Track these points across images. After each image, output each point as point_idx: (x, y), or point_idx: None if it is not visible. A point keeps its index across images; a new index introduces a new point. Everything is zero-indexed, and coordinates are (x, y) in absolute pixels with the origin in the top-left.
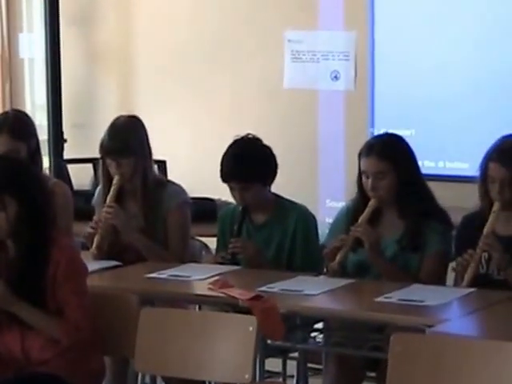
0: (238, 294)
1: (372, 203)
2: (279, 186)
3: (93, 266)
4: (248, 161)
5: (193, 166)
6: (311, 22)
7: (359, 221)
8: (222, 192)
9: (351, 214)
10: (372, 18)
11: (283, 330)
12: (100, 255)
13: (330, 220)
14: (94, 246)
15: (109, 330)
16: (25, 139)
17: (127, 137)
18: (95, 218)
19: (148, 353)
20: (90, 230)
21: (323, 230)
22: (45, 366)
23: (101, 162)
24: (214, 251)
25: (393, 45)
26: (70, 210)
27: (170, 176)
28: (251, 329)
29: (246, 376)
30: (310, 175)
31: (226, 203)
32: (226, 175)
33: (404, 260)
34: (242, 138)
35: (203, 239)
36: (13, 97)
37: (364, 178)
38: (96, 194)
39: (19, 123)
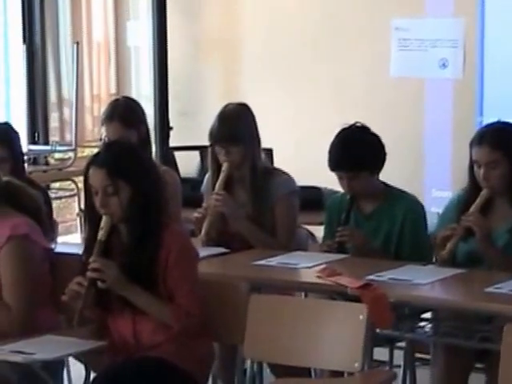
0: (347, 282)
1: (484, 193)
2: (384, 175)
3: (201, 252)
4: (356, 149)
5: (299, 154)
6: (419, 9)
7: (470, 210)
8: (328, 180)
9: (462, 204)
10: (482, 4)
11: (392, 319)
12: (208, 242)
13: (435, 209)
14: (203, 232)
15: (218, 317)
16: (135, 126)
17: (236, 124)
18: (204, 204)
19: (257, 339)
20: (198, 215)
21: (429, 220)
22: (155, 350)
23: (210, 149)
24: (320, 240)
25: (503, 31)
26: (179, 198)
27: (276, 164)
28: (361, 317)
29: (356, 364)
30: (416, 164)
31: (332, 192)
32: (334, 164)
33: None
34: (350, 127)
35: (309, 228)
36: (119, 84)
37: (476, 168)
38: (205, 182)
39: (130, 110)
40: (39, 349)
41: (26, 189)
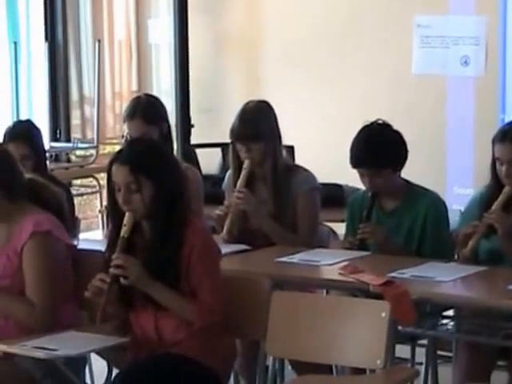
0: (370, 279)
1: (506, 190)
2: (406, 172)
3: (223, 249)
4: (378, 146)
5: (320, 151)
6: (441, 6)
7: (493, 208)
8: (349, 178)
9: (484, 201)
10: (504, 2)
11: (415, 316)
12: (230, 239)
13: (457, 207)
14: (225, 230)
15: (240, 313)
16: (157, 123)
17: (258, 122)
18: (226, 202)
19: (279, 336)
20: (220, 213)
21: (451, 217)
22: (177, 346)
23: (231, 146)
24: (341, 237)
25: None
26: (201, 195)
27: (298, 162)
28: (384, 314)
29: (378, 362)
30: (437, 162)
31: (354, 189)
32: (356, 161)
33: None
34: (372, 124)
35: (331, 225)
36: (141, 82)
37: (498, 165)
38: (226, 179)
39: (151, 107)
40: (62, 345)
41: (48, 186)
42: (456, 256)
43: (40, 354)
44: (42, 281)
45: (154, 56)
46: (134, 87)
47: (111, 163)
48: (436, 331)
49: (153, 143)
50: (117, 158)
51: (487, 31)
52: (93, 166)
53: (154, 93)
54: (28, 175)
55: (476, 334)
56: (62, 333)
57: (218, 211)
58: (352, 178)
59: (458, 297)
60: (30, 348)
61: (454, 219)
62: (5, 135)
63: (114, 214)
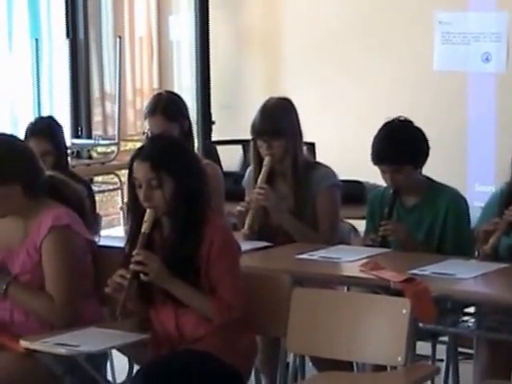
0: (390, 276)
1: None
2: (427, 169)
3: (244, 246)
4: (400, 143)
5: (340, 148)
6: (462, 2)
7: None
8: (369, 174)
9: (505, 198)
10: None
11: (435, 313)
12: (251, 236)
13: (478, 204)
14: (246, 227)
15: (261, 310)
16: (178, 120)
17: (279, 118)
18: (246, 198)
19: (299, 333)
20: (241, 209)
21: (472, 214)
22: (198, 343)
23: (252, 143)
24: (362, 234)
25: None
26: (222, 192)
27: (319, 158)
28: (404, 311)
29: (399, 358)
30: (459, 158)
31: (375, 186)
32: (378, 158)
33: None
34: (393, 121)
35: (351, 222)
36: (161, 78)
37: None
38: (246, 175)
39: (172, 104)
40: (83, 341)
41: (69, 183)
42: (476, 253)
43: (62, 351)
44: (61, 275)
45: (174, 52)
46: (155, 84)
47: (132, 160)
48: (457, 328)
49: (174, 140)
50: (138, 154)
51: (509, 27)
52: (114, 162)
53: (175, 89)
54: (49, 172)
55: (497, 331)
56: (84, 329)
57: (239, 207)
58: (373, 175)
59: (478, 294)
60: (51, 344)
61: (474, 216)
62: (26, 131)
63: (134, 210)
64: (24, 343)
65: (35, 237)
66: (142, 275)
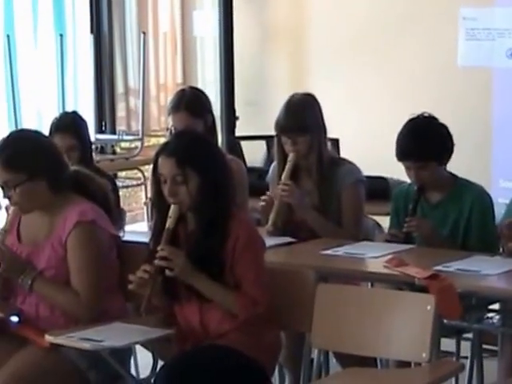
0: (415, 272)
1: None
2: (451, 166)
3: (268, 242)
4: (425, 140)
5: (365, 144)
6: None
7: None
8: (393, 170)
9: None
10: None
11: (460, 310)
12: (275, 232)
13: (503, 200)
14: (270, 222)
15: (286, 306)
16: (201, 116)
17: (303, 114)
18: (269, 193)
19: (324, 329)
20: (263, 202)
21: (496, 211)
22: (223, 338)
23: (276, 139)
24: (386, 230)
25: None
26: (246, 187)
27: (343, 154)
28: (429, 308)
29: (424, 355)
30: (483, 155)
31: (399, 182)
32: (403, 154)
33: None
34: (418, 117)
35: (376, 218)
36: (185, 74)
37: None
38: (270, 171)
39: (196, 100)
40: (108, 336)
41: (94, 178)
42: (501, 249)
43: (86, 345)
44: (86, 270)
45: (198, 48)
46: (179, 79)
47: (157, 155)
48: (481, 325)
49: (199, 135)
50: (163, 149)
51: None
52: (138, 158)
53: (199, 85)
54: (74, 167)
55: None
56: (108, 324)
57: (261, 200)
58: (397, 171)
59: (503, 290)
60: (76, 339)
61: (499, 213)
62: (51, 127)
63: (159, 205)
64: (49, 338)
65: (60, 232)
66: (166, 270)
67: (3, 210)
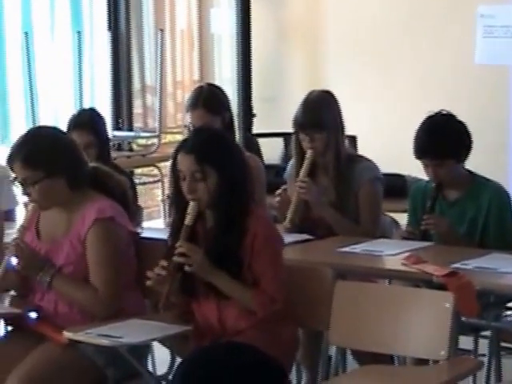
0: (433, 269)
1: None
2: (468, 163)
3: (286, 239)
4: (443, 137)
5: (382, 141)
6: None
7: None
8: (411, 168)
9: None
10: None
11: (478, 308)
12: (292, 229)
13: None
14: (287, 220)
15: (303, 303)
16: (219, 113)
17: (321, 111)
18: (284, 187)
19: (342, 326)
20: (279, 199)
21: None
22: (240, 335)
23: (294, 136)
24: (403, 227)
25: None
26: (263, 184)
27: (360, 152)
28: (447, 305)
29: (442, 352)
30: (500, 152)
31: (416, 179)
32: (420, 152)
33: None
34: (436, 114)
35: (393, 215)
36: (202, 71)
37: None
38: (288, 168)
39: (214, 97)
40: (126, 333)
41: (113, 174)
42: None
43: (104, 342)
44: (105, 267)
45: (215, 45)
46: (196, 76)
47: (176, 152)
48: (500, 322)
49: (218, 133)
50: (182, 146)
51: None
52: (155, 155)
53: (216, 82)
54: (93, 164)
55: None
56: (126, 321)
57: (276, 197)
58: (414, 169)
59: None
60: (94, 335)
61: None
62: (69, 123)
63: (177, 202)
64: (68, 334)
65: (79, 228)
66: (185, 267)
67: (22, 206)
